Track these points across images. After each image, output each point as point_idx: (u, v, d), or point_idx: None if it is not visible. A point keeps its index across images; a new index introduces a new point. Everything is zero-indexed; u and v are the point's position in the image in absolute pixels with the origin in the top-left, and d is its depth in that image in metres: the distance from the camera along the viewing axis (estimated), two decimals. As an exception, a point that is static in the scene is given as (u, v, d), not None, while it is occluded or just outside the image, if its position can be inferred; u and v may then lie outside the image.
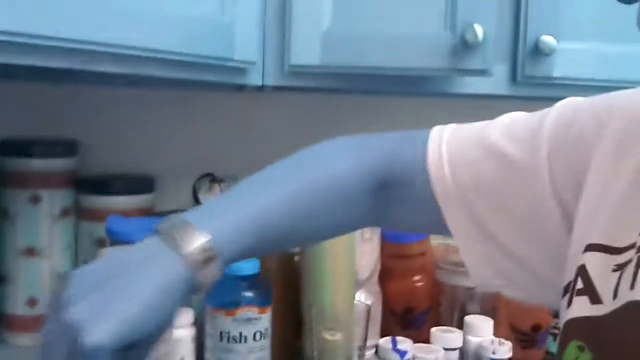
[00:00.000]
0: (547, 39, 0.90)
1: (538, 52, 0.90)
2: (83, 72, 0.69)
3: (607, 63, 0.92)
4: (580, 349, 0.48)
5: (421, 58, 0.87)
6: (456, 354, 0.92)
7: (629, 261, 0.47)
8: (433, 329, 0.93)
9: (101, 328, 0.47)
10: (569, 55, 0.92)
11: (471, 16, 0.85)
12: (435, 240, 1.09)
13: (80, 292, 0.49)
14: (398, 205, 0.63)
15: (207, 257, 0.52)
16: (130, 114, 1.20)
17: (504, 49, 0.93)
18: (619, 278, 0.47)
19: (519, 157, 0.57)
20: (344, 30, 0.87)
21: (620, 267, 0.48)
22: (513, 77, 0.93)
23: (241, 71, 0.87)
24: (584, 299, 0.49)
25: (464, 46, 0.84)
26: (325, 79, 0.91)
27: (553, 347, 0.98)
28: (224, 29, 0.82)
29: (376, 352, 1.00)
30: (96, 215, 1.07)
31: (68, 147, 1.10)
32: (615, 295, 0.47)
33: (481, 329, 0.94)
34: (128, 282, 0.50)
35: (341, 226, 0.65)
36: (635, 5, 0.52)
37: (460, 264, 1.03)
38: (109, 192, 1.08)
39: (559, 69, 0.92)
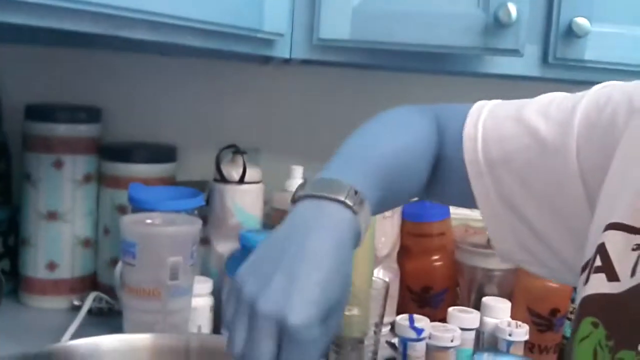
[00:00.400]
0: (581, 21, 0.89)
1: (571, 34, 0.89)
2: (110, 38, 0.69)
3: (640, 48, 0.90)
4: (595, 325, 0.49)
5: (452, 36, 0.86)
6: (472, 334, 0.92)
7: None
8: (450, 309, 0.93)
9: (301, 304, 0.46)
10: (601, 39, 0.91)
11: (504, -5, 0.83)
12: (456, 221, 1.09)
13: (259, 282, 0.47)
14: (440, 175, 0.65)
15: (360, 199, 0.52)
16: (155, 82, 1.20)
17: (537, 30, 0.91)
18: (638, 257, 0.48)
19: (550, 136, 0.58)
20: (375, 5, 0.86)
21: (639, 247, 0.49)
22: (544, 59, 0.92)
23: (269, 43, 0.87)
24: (601, 277, 0.50)
25: (497, 25, 0.83)
26: (354, 54, 0.90)
27: (570, 331, 0.97)
28: (254, 0, 0.81)
29: (392, 329, 1.01)
30: (118, 182, 1.07)
31: (92, 114, 1.10)
32: (633, 273, 0.48)
33: (498, 310, 0.94)
34: (302, 249, 0.48)
35: (415, 191, 0.66)
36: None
37: (480, 245, 1.03)
38: (131, 159, 1.08)
39: (591, 51, 0.91)
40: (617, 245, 0.50)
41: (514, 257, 0.63)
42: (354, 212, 0.52)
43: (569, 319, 0.98)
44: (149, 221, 0.88)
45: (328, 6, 0.87)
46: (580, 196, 0.56)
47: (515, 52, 0.86)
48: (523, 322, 0.93)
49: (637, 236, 0.49)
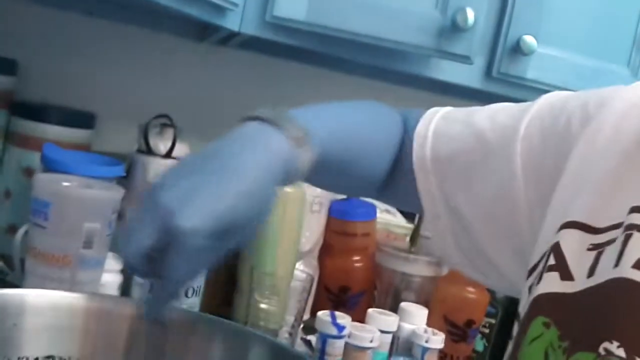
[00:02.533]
0: (529, 40, 0.90)
1: (518, 50, 0.91)
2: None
3: (581, 75, 0.93)
4: (546, 325, 0.48)
5: (407, 34, 0.85)
6: (390, 337, 0.91)
7: (612, 240, 0.47)
8: (370, 310, 0.91)
9: (196, 209, 0.44)
10: (545, 60, 0.93)
11: (464, 0, 0.83)
12: (378, 225, 1.08)
13: (174, 177, 0.47)
14: (395, 178, 0.65)
15: (306, 138, 0.51)
16: (82, 44, 1.12)
17: (485, 42, 0.92)
18: (597, 257, 0.48)
19: (494, 141, 0.58)
20: (335, -10, 0.84)
21: (597, 247, 0.48)
22: (488, 72, 0.93)
23: (221, 11, 0.83)
24: (554, 275, 0.49)
25: (453, 29, 0.83)
26: (305, 38, 0.87)
27: (480, 345, 0.98)
28: (213, -37, 0.78)
29: (304, 327, 0.98)
30: (27, 142, 0.98)
31: (7, 65, 1.01)
32: (591, 273, 0.47)
33: (415, 316, 0.93)
34: (225, 162, 0.47)
35: (372, 179, 0.65)
36: (618, 27, 0.55)
37: (402, 250, 1.03)
38: (46, 120, 1.00)
39: (533, 71, 0.93)
40: (573, 244, 0.49)
41: (452, 259, 0.63)
42: (295, 146, 0.51)
43: (482, 334, 0.99)
44: (66, 183, 0.81)
45: (287, -17, 0.84)
46: (520, 199, 0.56)
47: (466, 59, 0.86)
48: (438, 330, 0.92)
49: (594, 236, 0.49)
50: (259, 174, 0.48)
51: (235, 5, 0.82)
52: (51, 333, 0.49)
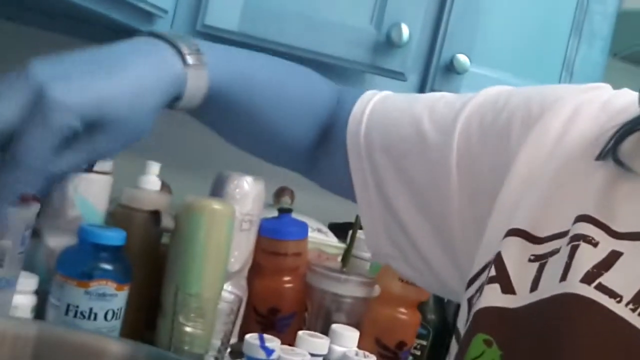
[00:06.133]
0: (462, 58, 0.91)
1: (451, 69, 0.91)
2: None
3: (511, 94, 0.93)
4: (488, 343, 0.45)
5: (342, 48, 0.84)
6: (320, 360, 0.88)
7: (555, 251, 0.45)
8: (300, 332, 0.88)
9: (72, 85, 0.42)
10: (477, 79, 0.93)
11: (399, 16, 0.83)
12: (310, 244, 1.05)
13: (56, 59, 0.44)
14: (327, 155, 0.63)
15: (199, 59, 0.50)
16: (3, 51, 1.06)
17: (419, 59, 0.92)
18: (540, 269, 0.46)
19: (431, 133, 0.57)
20: (269, 1, 0.82)
21: (539, 258, 0.46)
22: (421, 89, 0.93)
23: (149, 18, 0.79)
24: (495, 287, 0.47)
25: (387, 44, 0.83)
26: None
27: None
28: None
29: (231, 352, 0.94)
30: None
31: None
32: (534, 287, 0.45)
33: (347, 339, 0.91)
34: (114, 57, 0.45)
35: (288, 143, 0.63)
36: (549, 48, 0.55)
37: (334, 270, 1.00)
38: None
39: (466, 90, 0.92)
40: (514, 253, 0.47)
41: (382, 250, 0.61)
42: (186, 65, 0.49)
43: (413, 355, 0.97)
44: (-27, 196, 0.75)
45: (219, -8, 0.81)
46: (453, 194, 0.54)
47: (400, 75, 0.86)
48: (370, 352, 0.90)
49: (535, 246, 0.47)
50: (147, 76, 0.46)
51: (165, 12, 0.79)
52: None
